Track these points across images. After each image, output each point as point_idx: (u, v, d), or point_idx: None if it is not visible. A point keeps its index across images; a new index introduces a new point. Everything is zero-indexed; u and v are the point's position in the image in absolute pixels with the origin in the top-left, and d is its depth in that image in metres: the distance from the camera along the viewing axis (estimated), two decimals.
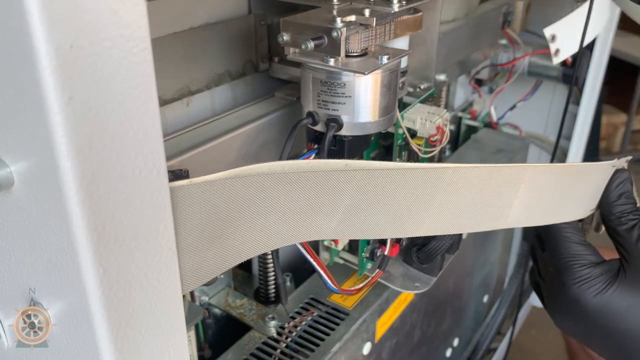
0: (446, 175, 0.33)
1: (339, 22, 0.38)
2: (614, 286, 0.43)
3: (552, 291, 0.47)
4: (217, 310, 0.56)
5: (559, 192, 0.41)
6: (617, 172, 0.46)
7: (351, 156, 0.44)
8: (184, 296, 0.25)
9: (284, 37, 0.40)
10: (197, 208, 0.25)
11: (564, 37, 0.64)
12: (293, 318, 0.52)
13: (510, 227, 0.39)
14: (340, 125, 0.41)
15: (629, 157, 0.47)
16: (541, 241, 0.47)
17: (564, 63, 0.75)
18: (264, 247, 0.30)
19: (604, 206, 0.46)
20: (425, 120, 0.51)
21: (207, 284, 0.53)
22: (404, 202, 0.32)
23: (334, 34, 0.38)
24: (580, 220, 0.46)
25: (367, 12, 0.40)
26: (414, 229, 0.34)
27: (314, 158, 0.42)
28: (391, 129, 0.50)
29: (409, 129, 0.52)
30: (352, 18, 0.39)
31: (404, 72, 0.51)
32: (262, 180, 0.27)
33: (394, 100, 0.44)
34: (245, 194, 0.27)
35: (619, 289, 0.43)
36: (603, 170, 0.45)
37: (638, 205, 0.47)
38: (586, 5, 0.55)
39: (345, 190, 0.30)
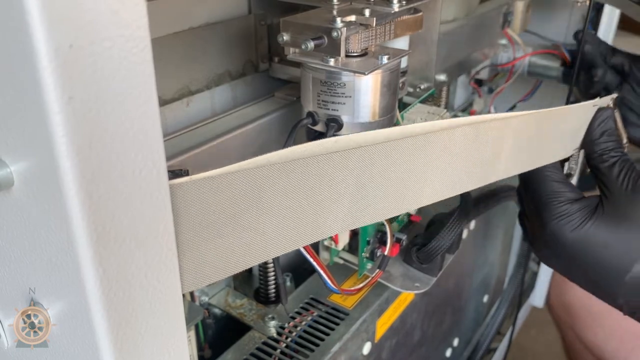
0: (438, 140, 0.33)
1: (339, 22, 0.38)
2: (590, 221, 0.44)
3: (533, 228, 0.48)
4: (217, 310, 0.56)
5: (542, 136, 0.42)
6: (600, 110, 0.46)
7: None
8: (184, 296, 0.25)
9: (284, 37, 0.40)
10: (197, 205, 0.25)
11: None
12: (293, 318, 0.52)
13: (502, 178, 0.40)
14: (340, 125, 0.41)
15: (614, 95, 0.48)
16: (525, 182, 0.48)
17: (564, 63, 0.75)
18: (271, 251, 0.29)
19: (587, 144, 0.47)
20: (425, 121, 0.51)
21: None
22: (402, 175, 0.32)
23: (334, 34, 0.38)
24: (564, 161, 0.48)
25: (367, 12, 0.40)
26: (415, 200, 0.34)
27: None
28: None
29: None
30: (352, 18, 0.39)
31: (404, 72, 0.50)
32: (261, 173, 0.26)
33: (394, 100, 0.44)
34: (246, 190, 0.26)
35: (595, 224, 0.44)
36: (584, 110, 0.45)
37: (624, 142, 0.48)
38: None
39: (344, 174, 0.30)
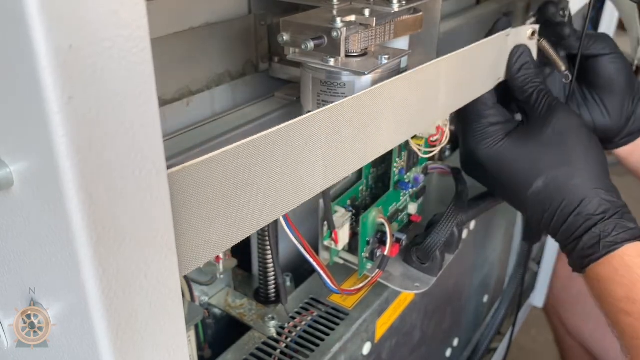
0: (385, 92, 0.37)
1: (339, 22, 0.38)
2: (503, 141, 0.50)
3: (461, 146, 0.54)
4: (217, 310, 0.56)
5: (469, 71, 0.46)
6: (515, 47, 0.51)
7: None
8: (183, 296, 0.25)
9: (284, 37, 0.40)
10: (191, 190, 0.26)
11: None
12: (293, 318, 0.52)
13: (443, 116, 0.46)
14: None
15: (536, 27, 0.51)
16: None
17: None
18: (267, 216, 0.31)
19: (509, 81, 0.52)
20: None
21: (206, 284, 0.53)
22: (362, 129, 0.36)
23: (334, 34, 0.38)
24: None
25: (367, 12, 0.40)
26: (376, 149, 0.38)
27: None
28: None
29: None
30: (352, 18, 0.39)
31: (404, 72, 0.50)
32: (248, 149, 0.28)
33: None
34: (233, 168, 0.28)
35: (507, 143, 0.50)
36: (500, 41, 0.50)
37: (563, 69, 0.53)
38: None
39: (316, 133, 0.33)
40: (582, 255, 0.48)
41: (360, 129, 0.36)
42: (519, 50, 0.51)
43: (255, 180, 0.29)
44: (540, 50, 0.53)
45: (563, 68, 0.52)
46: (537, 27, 0.51)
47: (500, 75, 0.52)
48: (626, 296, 0.46)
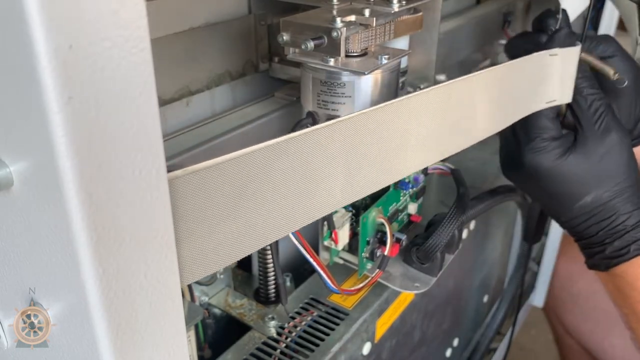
0: (409, 105, 0.35)
1: (339, 22, 0.38)
2: (563, 157, 0.51)
3: (510, 151, 0.54)
4: (217, 310, 0.56)
5: (509, 90, 0.45)
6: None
7: None
8: (183, 296, 0.25)
9: (284, 37, 0.40)
10: (192, 197, 0.25)
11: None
12: (293, 318, 0.52)
13: (482, 139, 0.44)
14: None
15: (579, 47, 0.50)
16: None
17: None
18: (272, 234, 0.29)
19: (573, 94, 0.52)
20: None
21: (206, 284, 0.53)
22: (385, 145, 0.34)
23: (334, 34, 0.38)
24: None
25: (367, 12, 0.40)
26: (402, 169, 0.36)
27: None
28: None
29: None
30: (352, 18, 0.39)
31: (404, 72, 0.51)
32: (255, 157, 0.27)
33: None
34: (240, 176, 0.27)
35: (567, 161, 0.51)
36: (541, 58, 0.48)
37: (612, 73, 0.52)
38: None
39: (332, 146, 0.31)
40: (609, 256, 0.52)
41: (381, 143, 0.33)
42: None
43: (263, 192, 0.28)
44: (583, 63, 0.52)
45: (612, 72, 0.51)
46: (579, 46, 0.50)
47: (548, 96, 0.50)
48: None
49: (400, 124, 0.34)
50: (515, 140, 0.53)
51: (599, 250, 0.53)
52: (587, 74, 0.52)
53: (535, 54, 0.47)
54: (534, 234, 0.81)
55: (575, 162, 0.51)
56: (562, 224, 0.55)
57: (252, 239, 0.28)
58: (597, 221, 0.53)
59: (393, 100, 0.33)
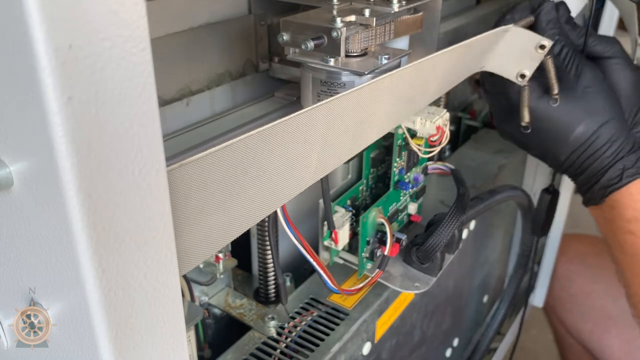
0: (384, 83, 0.37)
1: (339, 22, 0.38)
2: (543, 96, 0.54)
3: (499, 103, 0.58)
4: (217, 310, 0.56)
5: (465, 60, 0.48)
6: (543, 3, 0.54)
7: None
8: (183, 296, 0.25)
9: (284, 37, 0.40)
10: (188, 188, 0.26)
11: None
12: (293, 318, 0.52)
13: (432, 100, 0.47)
14: None
15: (550, 42, 0.51)
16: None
17: None
18: (259, 214, 0.31)
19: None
20: (425, 120, 0.51)
21: (206, 284, 0.53)
22: (356, 121, 0.36)
23: (334, 34, 0.38)
24: None
25: (367, 12, 0.40)
26: (366, 140, 0.38)
27: None
28: (391, 129, 0.50)
29: (408, 129, 0.52)
30: (352, 18, 0.39)
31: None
32: (244, 145, 0.29)
33: None
34: (232, 163, 0.28)
35: (546, 97, 0.54)
36: (495, 34, 0.50)
37: (555, 92, 0.54)
38: None
39: (314, 130, 0.33)
40: (605, 186, 0.55)
41: (354, 118, 0.36)
42: (547, 6, 0.54)
43: (252, 175, 0.29)
44: (541, 65, 0.52)
45: (555, 91, 0.53)
46: (551, 43, 0.50)
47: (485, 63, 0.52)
48: (634, 217, 0.55)
49: (370, 104, 0.37)
50: (498, 92, 0.56)
51: (595, 181, 0.56)
52: (556, 21, 0.54)
53: (492, 31, 0.50)
54: (543, 225, 0.80)
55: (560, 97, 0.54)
56: (563, 165, 0.57)
57: (243, 220, 0.30)
58: (593, 151, 0.55)
59: (367, 83, 0.36)
